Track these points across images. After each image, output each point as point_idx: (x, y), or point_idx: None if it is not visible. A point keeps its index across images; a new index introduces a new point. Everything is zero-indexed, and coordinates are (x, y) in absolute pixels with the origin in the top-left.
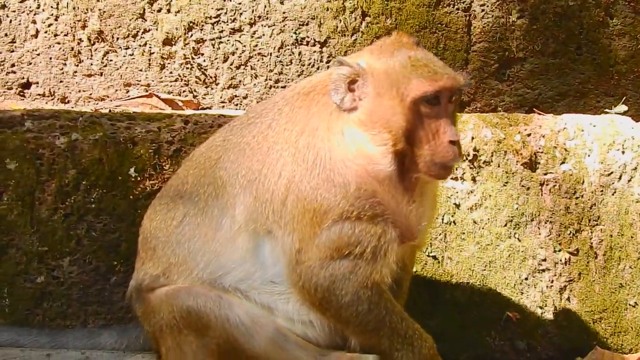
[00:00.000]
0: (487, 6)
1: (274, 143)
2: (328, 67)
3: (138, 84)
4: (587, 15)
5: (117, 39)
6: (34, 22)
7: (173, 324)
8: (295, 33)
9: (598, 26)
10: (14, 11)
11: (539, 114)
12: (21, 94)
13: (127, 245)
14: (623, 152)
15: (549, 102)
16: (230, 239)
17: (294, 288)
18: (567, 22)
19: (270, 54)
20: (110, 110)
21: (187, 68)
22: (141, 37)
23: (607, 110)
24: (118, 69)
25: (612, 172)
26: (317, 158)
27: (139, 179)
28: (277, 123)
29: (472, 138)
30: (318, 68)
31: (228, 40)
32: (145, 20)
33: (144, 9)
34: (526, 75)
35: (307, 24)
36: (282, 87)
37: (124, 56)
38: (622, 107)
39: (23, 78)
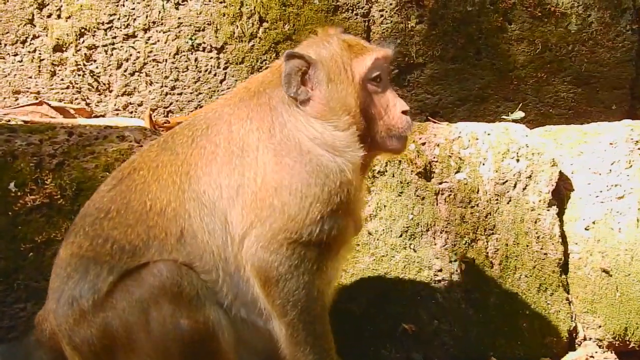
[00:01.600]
0: (386, 12)
1: (245, 145)
2: (225, 73)
3: (28, 92)
4: (486, 20)
5: (5, 45)
6: None
7: None
8: (191, 39)
9: (497, 31)
10: None
11: (434, 122)
12: None
13: (6, 262)
14: (517, 160)
15: (449, 107)
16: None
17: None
18: (466, 27)
19: (166, 60)
20: None
21: (79, 75)
22: (30, 44)
23: (504, 116)
24: (6, 76)
25: (506, 181)
26: (302, 147)
27: (19, 193)
28: (239, 126)
29: None
30: (215, 74)
31: (121, 46)
32: (35, 26)
33: (33, 15)
34: (426, 81)
35: (203, 30)
36: (178, 93)
37: (13, 63)
38: (519, 114)
39: None
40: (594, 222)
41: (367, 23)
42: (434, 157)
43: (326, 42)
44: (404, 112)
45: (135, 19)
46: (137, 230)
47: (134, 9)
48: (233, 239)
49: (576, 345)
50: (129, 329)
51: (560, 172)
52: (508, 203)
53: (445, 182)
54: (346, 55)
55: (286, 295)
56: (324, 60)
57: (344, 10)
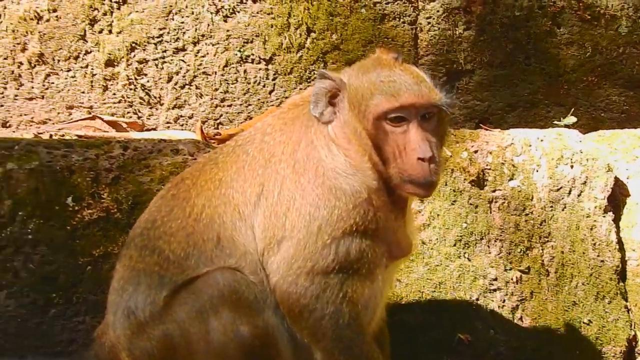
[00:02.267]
0: (433, 19)
1: (271, 156)
2: (274, 84)
3: (81, 106)
4: (535, 25)
5: (58, 61)
6: None
7: None
8: (239, 51)
9: (546, 36)
10: None
11: (486, 129)
12: None
13: (65, 276)
14: (572, 166)
15: (498, 113)
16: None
17: (279, 296)
18: (514, 32)
19: (215, 72)
20: (51, 135)
21: (131, 89)
22: (83, 59)
23: (556, 121)
24: (60, 92)
25: (561, 187)
26: (318, 168)
27: (76, 208)
28: (271, 137)
29: None
30: (264, 86)
31: (172, 60)
32: (87, 42)
33: (85, 31)
34: (475, 88)
35: (251, 42)
36: (227, 105)
37: (66, 78)
38: (571, 119)
39: None
40: None
41: (414, 31)
42: (487, 165)
43: (365, 69)
44: (422, 159)
45: (184, 33)
46: (177, 238)
47: (183, 22)
48: (259, 248)
49: (636, 354)
50: (189, 340)
51: (616, 178)
52: (563, 210)
53: (499, 189)
54: (370, 90)
55: (313, 326)
56: (352, 86)
57: (391, 19)
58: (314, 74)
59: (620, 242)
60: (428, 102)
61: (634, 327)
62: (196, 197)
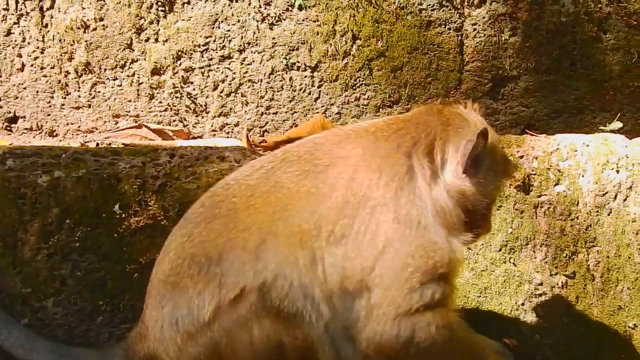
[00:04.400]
0: (479, 25)
1: (365, 197)
2: (319, 91)
3: (127, 115)
4: (581, 30)
5: (105, 70)
6: (20, 55)
7: None
8: (285, 58)
9: (592, 41)
10: None
11: (532, 134)
12: (8, 128)
13: (112, 284)
14: (617, 171)
15: (544, 119)
16: None
17: (367, 342)
18: (560, 38)
19: (261, 80)
20: (97, 144)
21: (177, 97)
22: (129, 68)
23: (602, 127)
24: (106, 101)
25: (607, 192)
26: (421, 219)
27: (123, 215)
28: (365, 176)
29: None
30: (309, 93)
31: (217, 67)
32: (133, 51)
33: (132, 39)
34: (521, 93)
35: (297, 49)
36: (273, 113)
37: (112, 87)
38: (617, 124)
39: (10, 112)
40: None
41: (460, 37)
42: (532, 170)
43: (491, 130)
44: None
45: (230, 41)
46: (219, 247)
47: (229, 30)
48: (323, 282)
49: None
50: (235, 348)
51: None
52: (609, 215)
53: (545, 194)
54: (502, 162)
55: None
56: (492, 148)
57: (436, 25)
58: (359, 80)
59: None
60: None
61: None
62: (247, 217)
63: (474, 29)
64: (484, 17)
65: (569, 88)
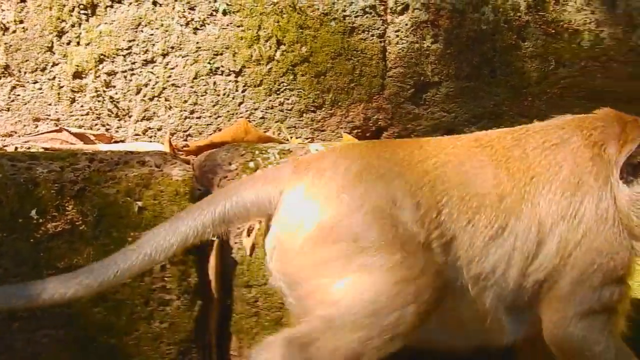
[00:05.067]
0: (402, 32)
1: (581, 182)
2: (243, 96)
3: (48, 119)
4: (500, 38)
5: (25, 73)
6: None
7: None
8: (209, 63)
9: (511, 49)
10: None
11: None
12: None
13: None
14: None
15: (465, 124)
16: None
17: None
18: (480, 46)
19: (185, 84)
20: (16, 148)
21: (99, 101)
22: (50, 71)
23: None
24: (26, 104)
25: None
26: (615, 215)
27: (41, 220)
28: (582, 168)
29: None
30: (233, 98)
31: (140, 71)
32: (54, 54)
33: (53, 42)
34: (442, 99)
35: (221, 54)
36: (197, 117)
37: (32, 90)
38: None
39: None
40: None
41: (383, 44)
42: None
43: None
44: None
45: (154, 45)
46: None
47: (152, 34)
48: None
49: None
50: None
51: None
52: None
53: None
54: None
55: None
56: None
57: (360, 32)
58: (284, 85)
59: None
60: None
61: None
62: (506, 178)
63: (397, 36)
64: (406, 24)
65: (488, 94)
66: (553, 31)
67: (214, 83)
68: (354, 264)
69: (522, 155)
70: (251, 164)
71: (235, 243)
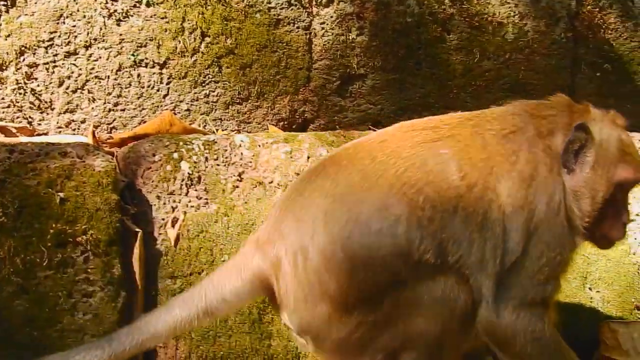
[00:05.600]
0: (327, 24)
1: (532, 175)
2: (168, 88)
3: None
4: (425, 31)
5: None
6: None
7: None
8: (133, 55)
9: (436, 41)
10: None
11: (374, 130)
12: None
13: None
14: None
15: (391, 116)
16: None
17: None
18: (405, 38)
19: (108, 76)
20: None
21: (20, 93)
22: None
23: None
24: None
25: None
26: (562, 207)
27: None
28: (536, 158)
29: (308, 157)
30: (158, 90)
31: (63, 64)
32: None
33: None
34: (368, 92)
35: (145, 46)
36: (121, 110)
37: None
38: None
39: None
40: None
41: (308, 36)
42: None
43: (608, 130)
44: (625, 224)
45: (76, 37)
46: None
47: (74, 26)
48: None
49: None
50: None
51: None
52: None
53: None
54: (618, 156)
55: (519, 352)
56: (601, 146)
57: (285, 24)
58: (209, 78)
59: None
60: None
61: None
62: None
63: (322, 28)
64: (331, 17)
65: (414, 86)
66: (477, 24)
67: (138, 75)
68: None
69: (483, 144)
70: (175, 155)
71: (160, 234)
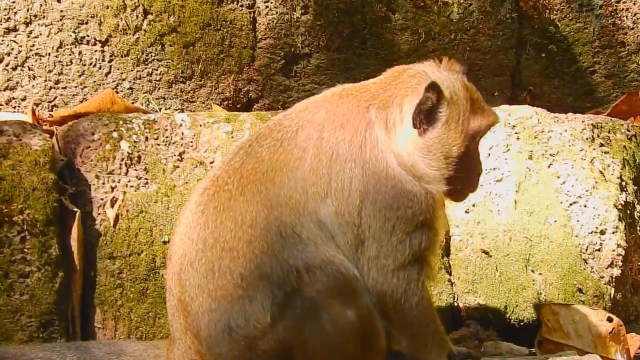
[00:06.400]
0: (271, 2)
1: (335, 155)
2: (110, 66)
3: None
4: (370, 10)
5: None
6: None
7: None
8: (74, 32)
9: (381, 21)
10: None
11: None
12: None
13: None
14: None
15: None
16: None
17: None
18: (350, 17)
19: (49, 54)
20: None
21: None
22: None
23: None
24: None
25: None
26: (389, 170)
27: None
28: (330, 134)
29: None
30: (100, 68)
31: (2, 40)
32: None
33: None
34: (313, 71)
35: (86, 23)
36: (62, 87)
37: None
38: None
39: None
40: (473, 205)
41: (252, 14)
42: None
43: (456, 83)
44: (479, 174)
45: (16, 13)
46: (240, 250)
47: (14, 2)
48: (334, 238)
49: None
50: (304, 339)
51: None
52: None
53: None
54: (468, 108)
55: (405, 316)
56: (451, 102)
57: (229, 2)
58: (151, 56)
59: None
60: (498, 122)
61: (457, 299)
62: (246, 204)
63: (267, 7)
64: None
65: (359, 66)
66: (423, 4)
67: (80, 52)
68: None
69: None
70: (114, 134)
71: (99, 214)
